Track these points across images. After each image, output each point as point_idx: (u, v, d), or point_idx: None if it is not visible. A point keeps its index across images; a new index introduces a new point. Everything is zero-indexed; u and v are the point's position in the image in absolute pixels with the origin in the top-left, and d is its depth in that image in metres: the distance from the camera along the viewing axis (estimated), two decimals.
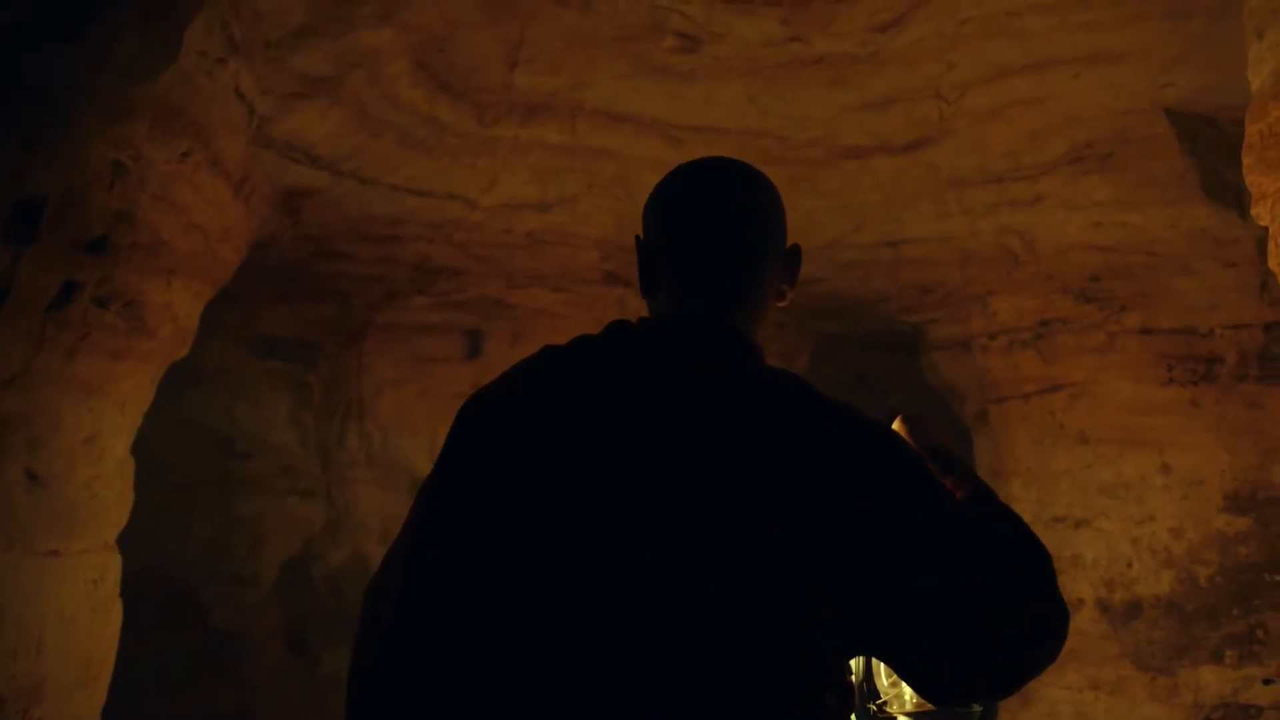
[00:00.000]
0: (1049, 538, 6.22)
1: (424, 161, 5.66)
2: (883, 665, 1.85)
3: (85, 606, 3.49)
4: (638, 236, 1.71)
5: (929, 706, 1.75)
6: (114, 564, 3.77)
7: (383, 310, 6.95)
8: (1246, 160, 3.50)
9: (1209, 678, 5.63)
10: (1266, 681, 5.43)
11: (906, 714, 1.82)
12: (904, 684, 1.78)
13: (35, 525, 3.22)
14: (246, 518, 7.51)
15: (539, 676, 1.38)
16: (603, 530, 1.40)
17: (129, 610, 4.13)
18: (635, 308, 7.02)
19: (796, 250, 1.71)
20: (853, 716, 1.67)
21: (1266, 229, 3.43)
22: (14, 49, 2.49)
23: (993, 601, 1.41)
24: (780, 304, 1.71)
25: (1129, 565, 6.00)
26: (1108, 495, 6.12)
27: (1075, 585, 6.13)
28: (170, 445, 6.58)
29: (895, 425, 1.65)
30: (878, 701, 1.88)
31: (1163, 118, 5.36)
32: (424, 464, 6.96)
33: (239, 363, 7.19)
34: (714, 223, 1.64)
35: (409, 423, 7.16)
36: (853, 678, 1.77)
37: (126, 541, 4.21)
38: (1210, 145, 5.45)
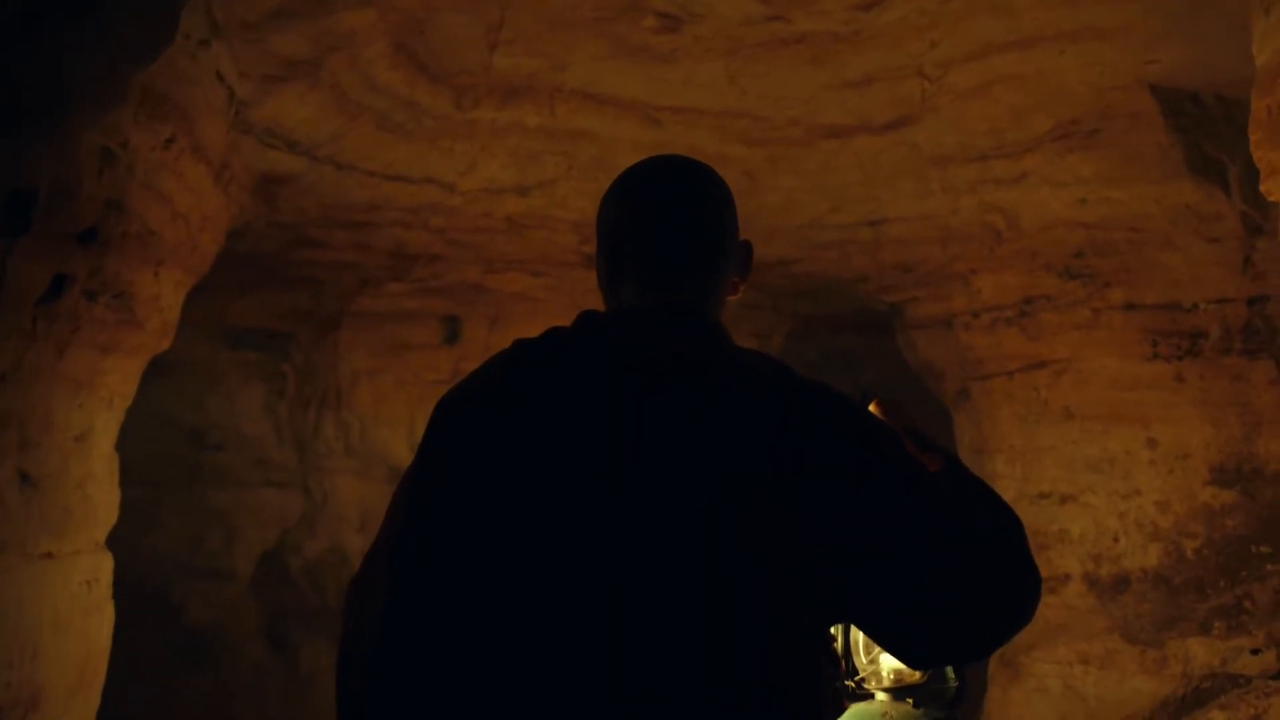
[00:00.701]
0: (1034, 514, 6.24)
1: (402, 146, 5.54)
2: (860, 641, 1.88)
3: (79, 609, 3.37)
4: (598, 227, 1.73)
5: (907, 681, 1.79)
6: (106, 564, 3.64)
7: (357, 298, 6.81)
8: (1254, 136, 3.48)
9: (1197, 649, 5.66)
10: (1254, 651, 5.47)
11: (884, 689, 1.84)
12: (881, 660, 1.82)
13: (29, 527, 3.10)
14: (219, 511, 7.37)
15: (521, 667, 1.40)
16: (581, 522, 1.42)
17: None
18: None
19: (748, 245, 1.76)
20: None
21: (1257, 203, 3.41)
22: (17, 35, 2.37)
23: (972, 570, 1.46)
24: (732, 297, 1.75)
25: (1116, 540, 6.03)
26: (1094, 470, 6.14)
27: (1062, 560, 6.15)
28: (139, 439, 6.41)
29: (870, 408, 1.68)
30: (855, 678, 1.90)
31: (1147, 94, 5.35)
32: (403, 453, 6.85)
33: (209, 354, 7.03)
34: (682, 216, 1.68)
35: (387, 411, 7.04)
36: (836, 645, 1.82)
37: None
38: (1194, 121, 5.45)
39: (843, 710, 1.65)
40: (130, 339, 3.46)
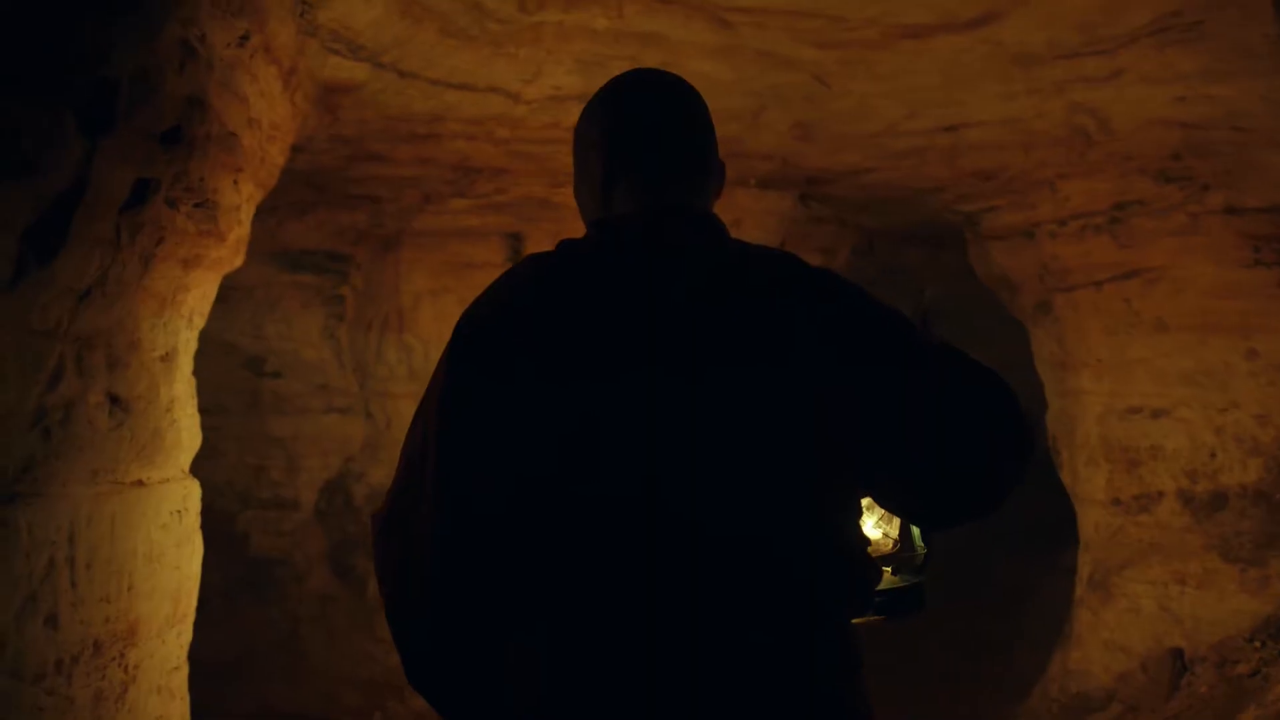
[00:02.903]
0: (1124, 429, 6.02)
1: (465, 52, 5.27)
2: None
3: (171, 540, 3.21)
4: (583, 138, 1.78)
5: (881, 550, 1.89)
6: (195, 492, 3.47)
7: (418, 216, 6.59)
8: None
9: None
10: None
11: None
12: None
13: (120, 454, 2.92)
14: (281, 439, 7.23)
15: (593, 565, 1.46)
16: (638, 415, 1.47)
17: None
18: None
19: (724, 165, 1.82)
20: None
21: None
22: None
23: (984, 431, 1.60)
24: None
25: (1213, 455, 5.79)
26: (1189, 383, 5.88)
27: (1154, 477, 5.92)
28: (196, 366, 6.27)
29: None
30: None
31: None
32: None
33: (266, 277, 6.82)
34: (677, 123, 1.74)
35: (450, 333, 6.81)
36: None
37: None
38: None
39: (881, 575, 1.74)
40: (211, 252, 3.25)
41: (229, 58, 3.10)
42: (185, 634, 3.37)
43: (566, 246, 1.66)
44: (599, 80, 6.27)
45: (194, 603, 3.43)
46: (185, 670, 3.39)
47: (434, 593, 1.49)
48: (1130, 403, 6.10)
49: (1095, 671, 6.08)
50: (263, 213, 5.87)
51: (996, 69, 5.94)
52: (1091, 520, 6.29)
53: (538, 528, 1.47)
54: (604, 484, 1.46)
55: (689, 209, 1.68)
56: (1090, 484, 6.18)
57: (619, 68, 6.08)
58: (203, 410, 6.64)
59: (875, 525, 1.88)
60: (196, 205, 2.99)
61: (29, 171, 2.22)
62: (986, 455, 1.61)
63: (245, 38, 3.21)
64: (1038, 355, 6.93)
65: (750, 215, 6.91)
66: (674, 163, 1.71)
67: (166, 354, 3.13)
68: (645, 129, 1.72)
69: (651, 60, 5.80)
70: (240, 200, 3.34)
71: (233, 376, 7.10)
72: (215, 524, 7.03)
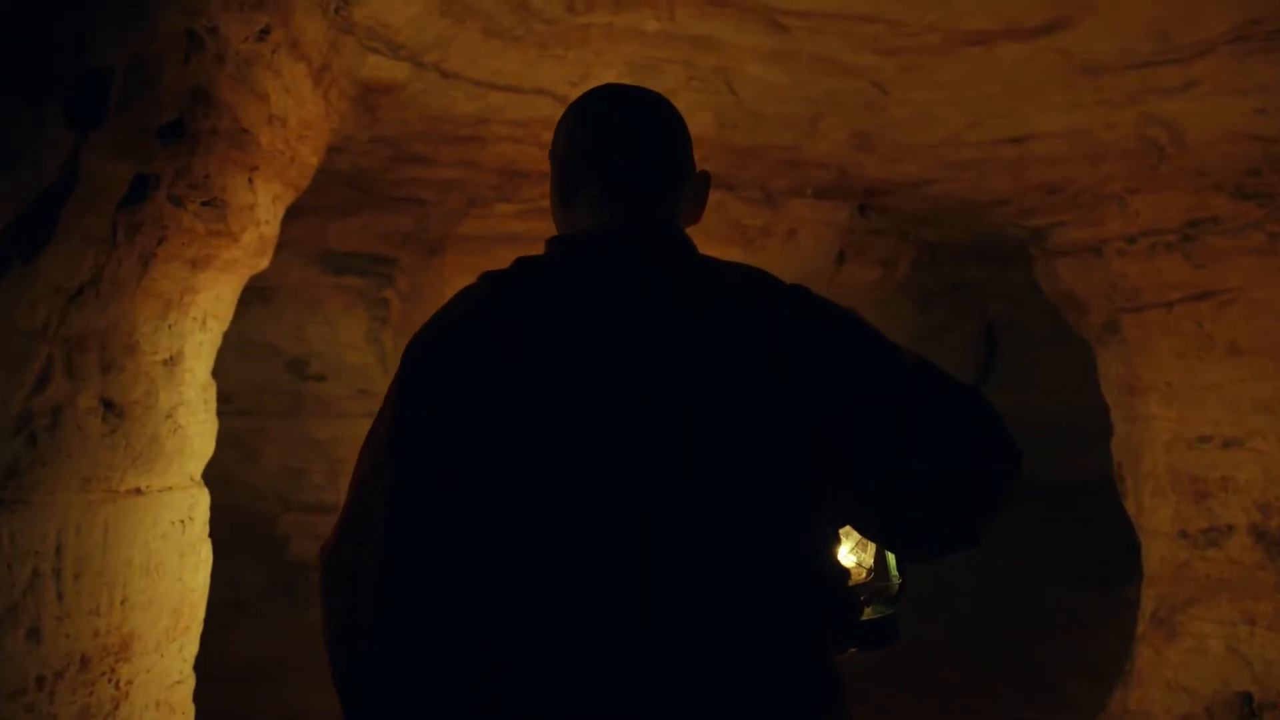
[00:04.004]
0: (1193, 459, 5.72)
1: (510, 53, 5.15)
2: None
3: (173, 550, 3.09)
4: (553, 151, 1.75)
5: (856, 580, 1.84)
6: (202, 501, 3.35)
7: (463, 220, 6.49)
8: None
9: None
10: None
11: None
12: None
13: (114, 461, 2.81)
14: (322, 443, 7.19)
15: (557, 592, 1.43)
16: (602, 438, 1.44)
17: None
18: (736, 211, 6.51)
19: (707, 176, 1.77)
20: None
21: None
22: None
23: (972, 455, 1.56)
24: (688, 227, 1.76)
25: None
26: (1264, 412, 5.56)
27: (1225, 510, 5.61)
28: (237, 368, 6.20)
29: None
30: None
31: None
32: None
33: (309, 279, 6.79)
34: (644, 136, 1.70)
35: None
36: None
37: None
38: None
39: (859, 607, 1.73)
40: (224, 253, 3.13)
41: (246, 52, 2.99)
42: (189, 647, 3.25)
43: (524, 263, 1.62)
44: (649, 84, 6.08)
45: (200, 615, 3.31)
46: (190, 684, 3.27)
47: (389, 608, 1.43)
48: (1200, 431, 5.79)
49: (1156, 712, 5.77)
50: (305, 214, 5.80)
51: (1064, 78, 5.70)
52: (1157, 553, 5.99)
53: (513, 538, 1.44)
54: (592, 493, 1.43)
55: (653, 222, 1.65)
56: (1156, 515, 5.89)
57: (670, 71, 5.92)
58: (244, 412, 6.61)
59: (850, 553, 1.84)
60: (204, 204, 2.87)
61: (8, 164, 2.11)
62: (983, 460, 1.59)
63: (266, 31, 3.09)
64: (1104, 377, 6.64)
65: (806, 225, 6.72)
66: (638, 175, 1.68)
67: (170, 357, 3.01)
68: (610, 141, 1.70)
69: (704, 64, 5.65)
70: (256, 200, 3.22)
71: (275, 379, 7.08)
72: (256, 526, 7.03)
